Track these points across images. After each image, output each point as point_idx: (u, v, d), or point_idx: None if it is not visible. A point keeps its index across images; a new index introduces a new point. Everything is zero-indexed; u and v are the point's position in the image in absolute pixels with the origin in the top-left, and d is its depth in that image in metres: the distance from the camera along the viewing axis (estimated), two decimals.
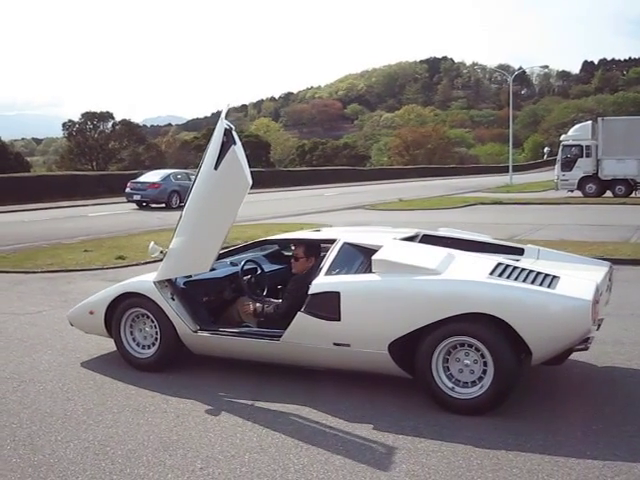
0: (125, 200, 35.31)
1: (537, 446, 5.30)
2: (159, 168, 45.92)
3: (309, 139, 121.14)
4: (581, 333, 5.83)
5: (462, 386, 6.10)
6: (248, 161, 6.86)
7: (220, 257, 7.84)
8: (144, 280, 7.75)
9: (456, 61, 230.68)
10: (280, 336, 6.80)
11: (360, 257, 6.82)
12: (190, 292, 7.63)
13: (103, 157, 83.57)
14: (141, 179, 36.34)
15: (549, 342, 5.87)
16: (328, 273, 6.67)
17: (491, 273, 6.19)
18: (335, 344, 6.48)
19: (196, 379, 7.13)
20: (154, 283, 7.47)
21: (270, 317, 7.31)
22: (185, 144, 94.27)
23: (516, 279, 6.13)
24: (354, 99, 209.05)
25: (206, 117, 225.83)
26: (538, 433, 5.55)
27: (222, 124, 6.75)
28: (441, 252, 6.70)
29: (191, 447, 5.44)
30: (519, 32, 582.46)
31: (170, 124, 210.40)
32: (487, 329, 5.91)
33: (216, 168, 6.77)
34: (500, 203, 32.79)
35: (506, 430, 5.62)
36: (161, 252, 7.50)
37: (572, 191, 38.14)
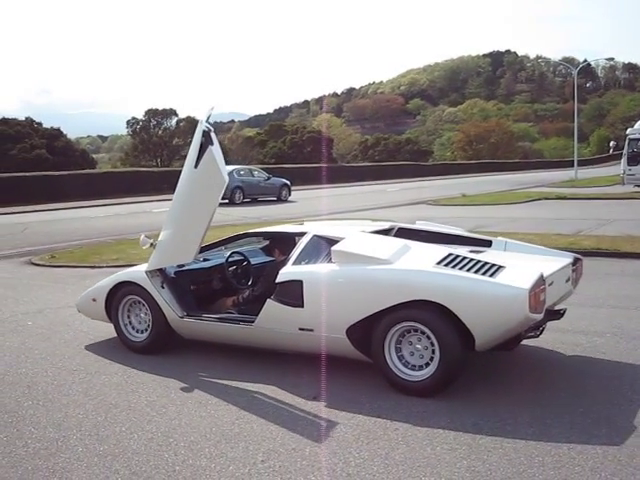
0: None
1: (600, 444, 5.21)
2: None
3: (371, 134, 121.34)
4: (519, 320, 6.04)
5: (412, 369, 6.45)
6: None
7: (208, 248, 8.59)
8: (138, 270, 8.42)
9: (519, 54, 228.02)
10: (254, 321, 7.29)
11: (327, 248, 7.17)
12: (179, 281, 8.24)
13: (167, 154, 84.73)
14: None
15: (489, 328, 6.13)
16: (295, 263, 7.16)
17: (438, 263, 6.46)
18: (300, 329, 6.96)
19: (257, 374, 7.17)
20: (146, 272, 8.11)
21: (247, 300, 7.88)
22: (248, 140, 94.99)
23: (461, 268, 6.37)
24: (416, 94, 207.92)
25: (269, 113, 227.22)
26: (602, 430, 5.46)
27: (201, 126, 7.37)
28: (397, 243, 7.07)
29: (252, 440, 5.49)
30: (584, 24, 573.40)
31: (233, 120, 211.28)
32: (432, 315, 6.22)
33: (196, 167, 7.37)
34: (564, 198, 32.25)
35: (569, 427, 5.54)
36: (151, 244, 8.15)
37: (639, 186, 37.35)
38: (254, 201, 36.01)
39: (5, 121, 68.26)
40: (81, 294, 9.14)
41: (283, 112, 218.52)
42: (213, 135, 7.34)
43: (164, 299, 7.95)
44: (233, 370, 7.32)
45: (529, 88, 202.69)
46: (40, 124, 71.09)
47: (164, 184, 45.80)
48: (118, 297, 8.35)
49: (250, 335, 7.41)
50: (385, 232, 8.05)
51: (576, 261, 7.50)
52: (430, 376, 6.29)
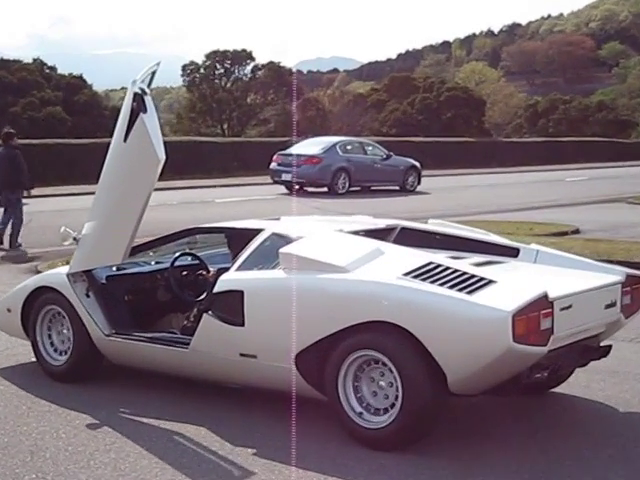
0: (270, 180, 35.89)
1: None
2: (320, 134, 46.51)
3: (544, 95, 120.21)
4: (499, 353, 6.22)
5: (372, 412, 6.86)
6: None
7: (143, 248, 9.37)
8: (60, 272, 9.09)
9: None
10: (189, 343, 7.86)
11: None
12: (110, 288, 8.90)
13: (238, 116, 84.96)
14: (294, 150, 36.33)
15: (463, 362, 6.42)
16: (241, 268, 7.73)
17: (406, 273, 6.78)
18: (241, 354, 7.48)
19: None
20: (67, 276, 8.72)
21: (193, 317, 8.33)
22: (358, 99, 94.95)
23: (435, 282, 6.65)
24: (613, 35, 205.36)
25: (390, 60, 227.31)
26: None
27: (133, 87, 7.99)
28: (366, 247, 7.51)
29: None
30: None
31: (336, 70, 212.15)
32: (393, 341, 6.60)
33: (125, 140, 7.99)
34: None
35: None
36: (74, 239, 8.72)
37: None
38: (366, 190, 35.94)
39: (5, 64, 68.31)
40: None
41: (411, 58, 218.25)
42: (148, 99, 7.93)
43: (87, 311, 8.51)
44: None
45: None
46: (54, 69, 72.07)
47: (234, 161, 46.21)
48: (36, 307, 8.99)
49: (185, 361, 7.99)
50: (382, 233, 8.55)
51: (633, 281, 7.58)
52: (390, 423, 6.62)
